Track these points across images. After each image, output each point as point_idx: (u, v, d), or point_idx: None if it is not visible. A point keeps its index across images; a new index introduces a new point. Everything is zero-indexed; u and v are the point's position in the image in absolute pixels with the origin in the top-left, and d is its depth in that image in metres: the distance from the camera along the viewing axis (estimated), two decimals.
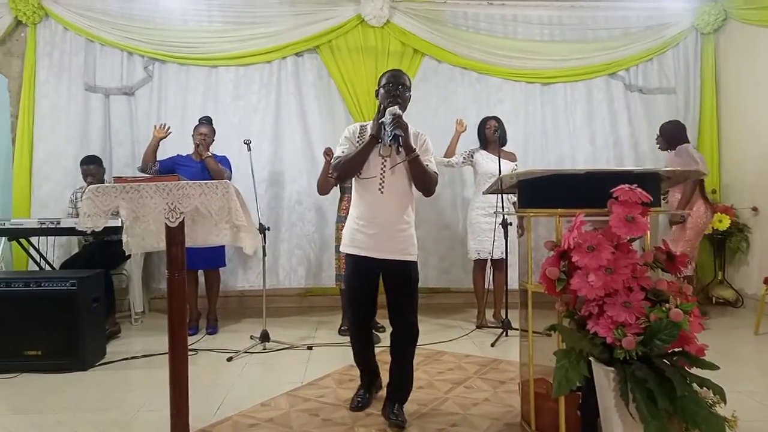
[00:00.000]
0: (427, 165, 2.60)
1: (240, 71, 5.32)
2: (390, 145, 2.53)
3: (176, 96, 5.24)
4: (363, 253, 2.63)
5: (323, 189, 4.38)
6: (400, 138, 2.46)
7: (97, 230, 1.94)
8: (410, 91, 2.71)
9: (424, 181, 2.59)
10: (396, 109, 2.51)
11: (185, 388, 2.12)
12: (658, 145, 4.84)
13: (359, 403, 2.84)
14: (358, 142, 2.65)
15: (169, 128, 4.49)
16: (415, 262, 2.67)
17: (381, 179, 2.58)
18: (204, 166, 4.41)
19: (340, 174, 2.65)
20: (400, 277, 2.64)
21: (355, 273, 2.70)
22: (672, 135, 4.69)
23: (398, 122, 2.46)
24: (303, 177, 5.28)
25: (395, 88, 2.62)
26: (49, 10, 5.06)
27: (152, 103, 5.22)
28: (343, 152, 2.66)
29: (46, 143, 5.04)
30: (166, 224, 2.02)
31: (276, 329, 4.30)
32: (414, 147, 2.54)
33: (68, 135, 5.07)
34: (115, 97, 5.21)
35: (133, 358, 3.78)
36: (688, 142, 4.66)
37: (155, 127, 4.50)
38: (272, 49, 5.27)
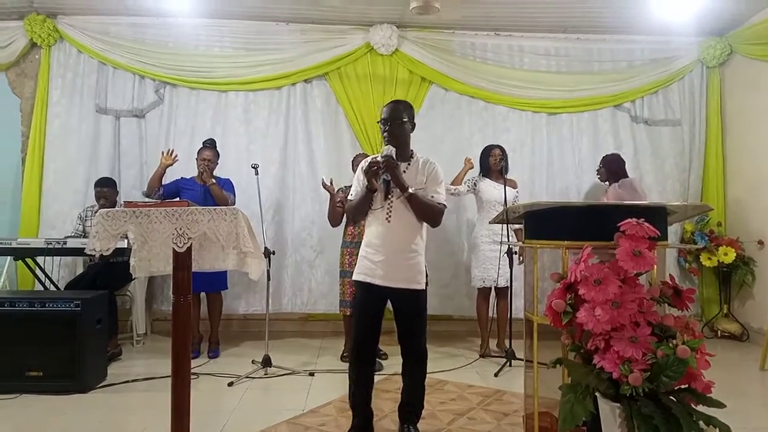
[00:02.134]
0: (432, 196, 2.65)
1: (249, 96, 5.39)
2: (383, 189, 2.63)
3: (186, 119, 5.30)
4: (369, 280, 2.65)
5: (334, 221, 4.42)
6: (389, 182, 2.59)
7: (106, 254, 1.96)
8: (411, 119, 2.75)
9: (424, 214, 2.65)
10: (386, 150, 2.59)
11: (187, 415, 2.10)
12: (598, 176, 4.99)
13: None
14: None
15: (176, 155, 4.53)
16: (423, 291, 2.68)
17: (388, 209, 2.62)
18: (208, 189, 4.44)
19: (352, 219, 2.73)
20: (407, 305, 2.67)
21: (362, 300, 2.71)
22: (616, 167, 4.87)
23: (387, 165, 2.54)
24: (308, 203, 5.31)
25: (389, 123, 2.67)
26: (64, 33, 5.17)
27: (162, 126, 5.28)
28: (353, 194, 2.76)
29: (56, 164, 5.09)
30: (173, 249, 2.03)
31: (278, 354, 4.27)
32: (407, 185, 2.58)
33: (78, 156, 5.12)
34: (126, 119, 5.28)
35: (134, 380, 3.76)
36: (627, 176, 4.84)
37: (162, 153, 4.54)
38: (281, 75, 5.34)
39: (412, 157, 2.76)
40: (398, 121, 2.67)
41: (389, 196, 2.63)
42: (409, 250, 2.63)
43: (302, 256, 5.29)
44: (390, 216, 2.61)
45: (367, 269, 2.66)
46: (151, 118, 5.30)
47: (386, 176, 2.59)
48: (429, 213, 2.64)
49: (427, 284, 2.72)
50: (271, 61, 5.34)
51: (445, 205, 2.69)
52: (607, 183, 4.97)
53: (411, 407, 2.77)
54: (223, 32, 5.37)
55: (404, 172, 2.66)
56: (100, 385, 3.64)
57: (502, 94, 5.52)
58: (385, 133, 2.68)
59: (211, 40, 5.38)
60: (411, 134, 2.77)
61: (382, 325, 2.71)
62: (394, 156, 2.58)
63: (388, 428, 2.92)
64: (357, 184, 2.75)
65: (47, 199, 5.05)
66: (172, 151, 4.54)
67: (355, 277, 2.72)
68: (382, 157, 2.56)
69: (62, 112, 5.16)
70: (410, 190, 2.57)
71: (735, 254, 5.14)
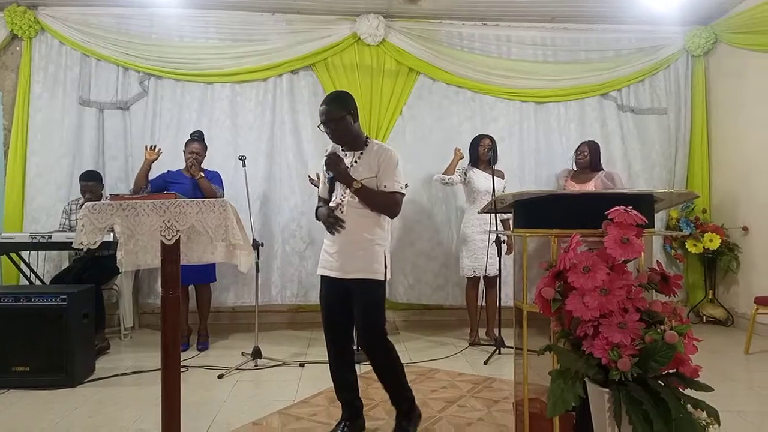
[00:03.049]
0: (385, 186, 2.59)
1: (235, 88, 5.34)
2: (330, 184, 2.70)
3: (171, 112, 5.24)
4: (327, 273, 2.68)
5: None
6: (332, 178, 2.67)
7: (93, 247, 1.93)
8: (348, 110, 2.64)
9: (375, 206, 2.60)
10: (331, 147, 2.71)
11: (177, 409, 2.09)
12: (579, 158, 4.98)
13: None
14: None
15: (160, 150, 4.49)
16: (378, 281, 2.59)
17: (341, 202, 2.65)
18: (196, 182, 4.41)
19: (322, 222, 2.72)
20: (361, 295, 2.60)
21: (324, 293, 2.75)
22: (599, 156, 4.96)
23: (327, 163, 2.63)
24: (296, 194, 5.29)
25: (328, 126, 2.64)
26: (45, 25, 5.08)
27: (147, 119, 5.21)
28: (319, 195, 2.89)
29: (39, 157, 5.02)
30: (161, 242, 2.01)
31: (267, 345, 4.27)
32: (353, 179, 2.58)
33: (61, 149, 5.05)
34: (110, 112, 5.21)
35: (123, 374, 3.74)
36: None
37: (146, 148, 4.48)
38: (268, 66, 5.30)
39: (367, 145, 2.70)
40: (334, 122, 2.61)
41: (343, 191, 2.64)
42: (363, 240, 2.59)
43: (291, 248, 5.27)
44: (343, 209, 2.62)
45: (325, 262, 2.70)
46: (135, 111, 5.23)
47: (328, 174, 2.64)
48: (380, 204, 2.60)
49: (386, 274, 2.63)
50: (257, 52, 5.29)
51: (399, 193, 2.61)
52: (572, 168, 5.03)
53: (391, 400, 2.73)
54: (208, 23, 5.30)
55: (356, 162, 2.64)
56: (89, 379, 3.62)
57: (489, 83, 5.52)
58: (329, 136, 2.68)
59: (195, 31, 5.31)
60: (355, 124, 2.68)
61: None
62: (339, 151, 2.65)
63: (379, 417, 2.94)
64: (321, 184, 2.84)
65: (31, 193, 4.98)
66: (156, 146, 4.49)
67: (318, 271, 2.75)
68: (325, 156, 2.64)
69: (44, 105, 5.08)
70: (355, 185, 2.56)
71: (720, 240, 5.20)
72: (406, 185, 2.75)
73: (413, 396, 2.76)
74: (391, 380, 2.71)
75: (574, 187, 4.84)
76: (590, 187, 4.80)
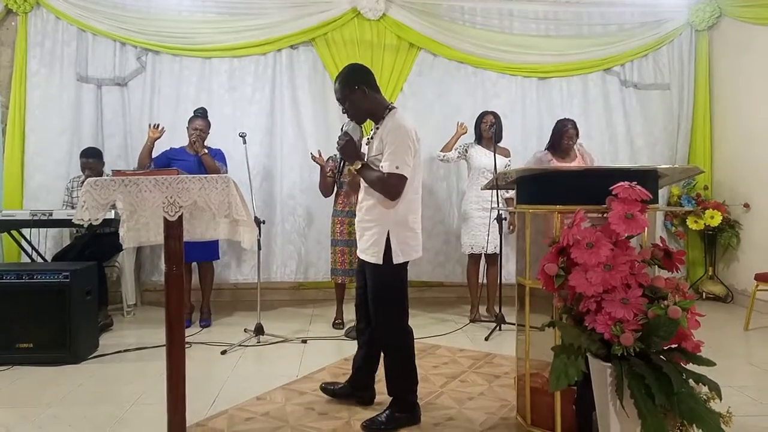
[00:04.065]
0: (382, 166, 2.46)
1: (234, 63, 5.28)
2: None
3: (169, 87, 5.18)
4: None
5: (325, 191, 4.41)
6: (342, 162, 2.75)
7: (95, 223, 1.92)
8: (359, 84, 2.54)
9: (373, 187, 2.50)
10: (345, 125, 2.63)
11: (182, 384, 2.11)
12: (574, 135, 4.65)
13: (331, 387, 2.89)
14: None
15: (163, 128, 4.46)
16: (379, 265, 2.49)
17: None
18: (200, 159, 4.38)
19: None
20: (368, 278, 2.59)
21: (357, 270, 2.79)
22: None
23: (340, 146, 2.59)
24: (296, 171, 5.26)
25: (341, 104, 2.62)
26: None
27: (145, 94, 5.16)
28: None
29: (38, 134, 4.98)
30: (164, 218, 2.00)
31: (270, 322, 4.30)
32: (357, 158, 2.54)
33: (60, 126, 5.01)
34: (108, 88, 5.15)
35: (126, 351, 3.77)
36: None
37: (150, 126, 4.45)
38: (267, 41, 5.23)
39: (384, 117, 2.55)
40: (341, 101, 2.59)
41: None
42: (366, 221, 2.55)
43: (292, 225, 5.26)
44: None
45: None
46: (133, 87, 5.18)
47: (340, 156, 2.68)
48: (376, 186, 2.47)
49: (389, 259, 2.48)
50: (256, 27, 5.22)
51: (396, 175, 2.40)
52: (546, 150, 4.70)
53: (390, 390, 2.63)
54: None
55: (372, 137, 2.60)
56: (93, 355, 3.64)
57: (491, 59, 5.46)
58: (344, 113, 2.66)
59: (193, 5, 5.23)
60: (369, 96, 2.55)
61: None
62: (351, 129, 2.59)
63: (382, 392, 2.96)
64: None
65: (30, 171, 4.95)
66: (159, 125, 4.46)
67: None
68: (339, 138, 2.60)
69: (42, 82, 5.02)
70: (355, 166, 2.53)
71: (721, 217, 5.20)
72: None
73: (415, 402, 2.61)
74: (391, 373, 2.60)
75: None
76: (577, 162, 4.67)
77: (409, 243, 2.52)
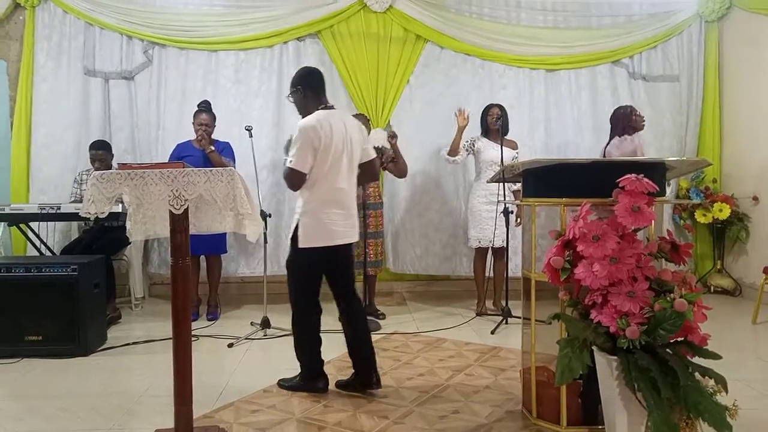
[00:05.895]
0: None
1: (240, 55, 5.27)
2: None
3: (176, 80, 5.18)
4: None
5: None
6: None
7: (101, 216, 1.93)
8: (299, 86, 2.98)
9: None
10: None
11: (189, 376, 2.12)
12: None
13: (343, 382, 2.98)
14: None
15: None
16: (294, 244, 2.83)
17: None
18: (207, 154, 4.38)
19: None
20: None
21: None
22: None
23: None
24: None
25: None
26: None
27: (152, 88, 5.16)
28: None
29: (45, 128, 5.00)
30: (170, 211, 2.01)
31: (276, 316, 4.30)
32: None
33: (67, 119, 5.03)
34: (115, 82, 5.16)
35: (134, 343, 3.79)
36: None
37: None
38: (273, 33, 5.22)
39: None
40: (290, 96, 2.99)
41: None
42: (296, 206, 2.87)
43: None
44: None
45: None
46: (140, 80, 5.18)
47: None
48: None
49: (296, 244, 2.80)
50: (262, 19, 5.21)
51: (287, 167, 2.73)
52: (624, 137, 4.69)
53: None
54: None
55: None
56: (101, 348, 3.67)
57: (498, 51, 5.42)
58: None
59: None
60: (304, 96, 2.95)
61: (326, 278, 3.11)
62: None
63: (388, 385, 2.98)
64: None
65: (37, 164, 4.97)
66: None
67: None
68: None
69: (49, 75, 5.03)
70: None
71: (730, 210, 5.16)
72: (293, 161, 2.75)
73: (316, 375, 2.93)
74: (295, 336, 2.99)
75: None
76: (636, 146, 4.65)
77: (314, 231, 2.79)
